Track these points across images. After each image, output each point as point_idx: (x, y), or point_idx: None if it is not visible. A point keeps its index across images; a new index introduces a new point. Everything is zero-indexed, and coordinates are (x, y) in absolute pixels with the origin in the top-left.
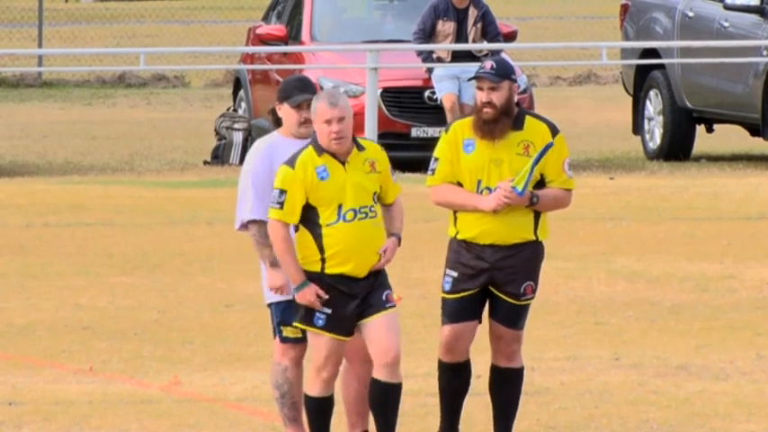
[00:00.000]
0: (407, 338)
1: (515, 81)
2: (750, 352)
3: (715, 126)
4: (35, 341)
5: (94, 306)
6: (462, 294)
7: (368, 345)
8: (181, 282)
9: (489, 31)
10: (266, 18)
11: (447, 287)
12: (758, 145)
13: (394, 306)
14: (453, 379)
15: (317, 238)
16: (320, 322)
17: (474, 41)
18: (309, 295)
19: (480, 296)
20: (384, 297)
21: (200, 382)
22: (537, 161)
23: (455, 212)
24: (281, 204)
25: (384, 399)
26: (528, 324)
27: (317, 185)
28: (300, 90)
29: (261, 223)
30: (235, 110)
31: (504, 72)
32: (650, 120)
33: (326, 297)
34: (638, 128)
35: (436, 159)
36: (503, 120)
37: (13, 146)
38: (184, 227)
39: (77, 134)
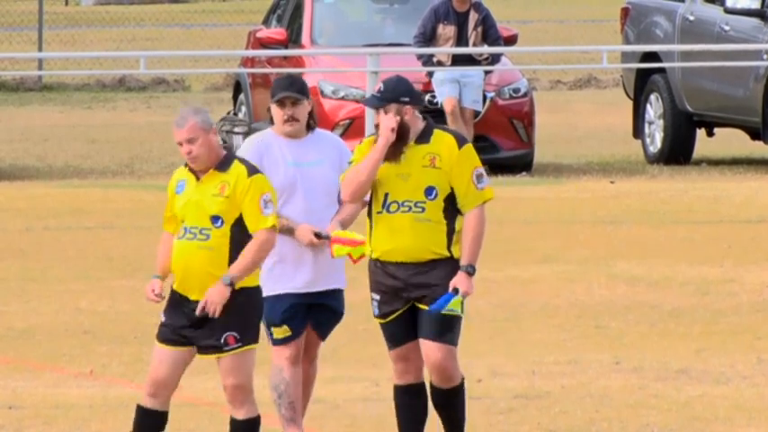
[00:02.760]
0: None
1: (407, 102)
2: (750, 356)
3: (715, 130)
4: (35, 345)
5: (95, 310)
6: (392, 317)
7: None
8: None
9: (490, 34)
10: (266, 21)
11: (376, 311)
12: (759, 149)
13: (235, 348)
14: (409, 401)
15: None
16: (158, 330)
17: (474, 45)
18: (148, 288)
19: (409, 315)
20: (222, 341)
21: (199, 386)
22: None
23: (370, 231)
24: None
25: None
26: (528, 327)
27: (174, 198)
28: (284, 88)
29: None
30: (235, 113)
31: (390, 95)
32: (651, 123)
33: (159, 294)
34: (638, 131)
35: (350, 163)
36: (394, 144)
37: (13, 149)
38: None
39: (77, 138)
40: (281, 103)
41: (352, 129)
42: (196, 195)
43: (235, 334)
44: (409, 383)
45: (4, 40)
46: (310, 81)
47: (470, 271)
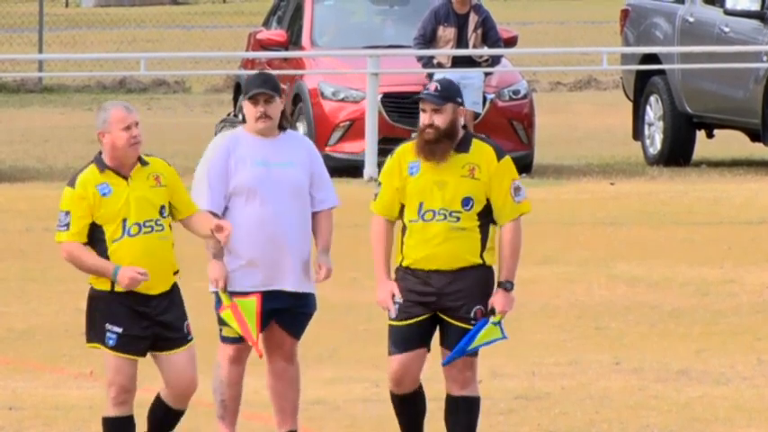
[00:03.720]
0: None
1: (460, 104)
2: (750, 356)
3: (715, 131)
4: (35, 346)
5: None
6: (410, 321)
7: (164, 375)
8: (181, 286)
9: (490, 36)
10: (267, 23)
11: (392, 315)
12: (758, 150)
13: (192, 339)
14: (406, 409)
15: (104, 256)
16: (111, 342)
17: (474, 47)
18: (129, 273)
19: (428, 323)
20: (185, 329)
21: (199, 387)
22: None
23: (402, 238)
24: (68, 226)
25: (175, 422)
26: (528, 328)
27: (99, 203)
28: (258, 85)
29: (212, 215)
30: (235, 115)
31: (448, 94)
32: (650, 125)
33: (144, 271)
34: (638, 133)
35: (379, 184)
36: (444, 142)
37: (14, 151)
38: (184, 231)
39: (78, 139)
40: (254, 100)
41: (353, 130)
42: (136, 191)
43: (188, 322)
44: (406, 393)
45: (5, 41)
46: (310, 83)
47: (509, 287)
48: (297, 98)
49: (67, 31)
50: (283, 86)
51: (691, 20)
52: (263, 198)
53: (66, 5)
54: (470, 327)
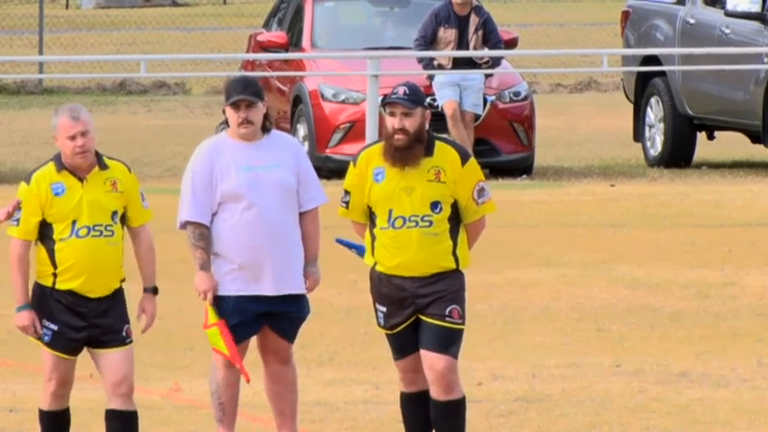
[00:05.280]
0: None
1: (427, 108)
2: (751, 359)
3: (716, 133)
4: (36, 348)
5: None
6: (399, 329)
7: (102, 374)
8: (181, 288)
9: (490, 38)
10: (267, 25)
11: (382, 323)
12: (759, 152)
13: (131, 339)
14: (417, 409)
15: (51, 252)
16: (46, 338)
17: (475, 49)
18: (25, 319)
19: (414, 326)
20: (124, 332)
21: (200, 389)
22: None
23: (373, 241)
24: (18, 221)
25: (123, 427)
26: (528, 331)
27: (51, 201)
28: (239, 91)
29: (196, 225)
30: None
31: (417, 98)
32: (651, 127)
33: (41, 333)
34: (638, 135)
35: (347, 192)
36: (415, 146)
37: (14, 153)
38: (185, 233)
39: None
40: (235, 106)
41: (353, 132)
42: (90, 194)
43: (129, 326)
44: (417, 391)
45: (5, 43)
46: (311, 84)
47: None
48: (297, 100)
49: (68, 33)
50: (283, 88)
51: (691, 21)
52: (252, 202)
53: (67, 7)
54: (445, 324)
